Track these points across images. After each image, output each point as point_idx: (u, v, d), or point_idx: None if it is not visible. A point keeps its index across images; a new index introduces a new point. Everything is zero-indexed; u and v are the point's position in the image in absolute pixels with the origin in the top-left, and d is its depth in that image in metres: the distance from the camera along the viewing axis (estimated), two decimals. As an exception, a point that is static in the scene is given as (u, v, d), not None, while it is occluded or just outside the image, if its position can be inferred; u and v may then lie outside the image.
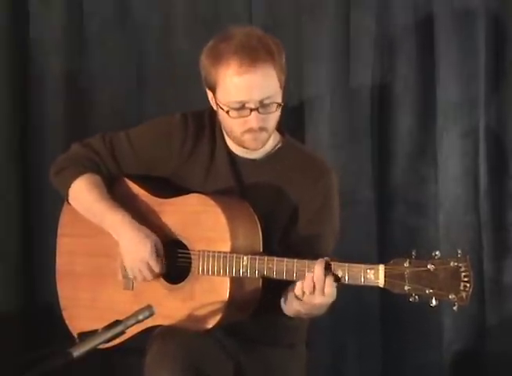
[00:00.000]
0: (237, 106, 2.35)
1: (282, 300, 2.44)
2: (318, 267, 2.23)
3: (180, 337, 2.36)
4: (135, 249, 2.44)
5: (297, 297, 2.29)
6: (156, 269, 2.44)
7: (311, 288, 2.23)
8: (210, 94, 2.43)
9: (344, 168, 3.06)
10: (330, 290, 2.23)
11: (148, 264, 2.43)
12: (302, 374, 2.62)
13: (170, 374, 2.28)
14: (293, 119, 3.08)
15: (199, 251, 2.40)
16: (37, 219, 3.34)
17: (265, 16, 3.18)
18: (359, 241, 3.11)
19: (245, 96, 2.33)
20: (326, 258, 2.26)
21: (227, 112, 2.37)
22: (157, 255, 2.43)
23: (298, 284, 2.26)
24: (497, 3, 3.03)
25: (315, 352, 2.98)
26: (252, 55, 2.31)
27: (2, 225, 3.31)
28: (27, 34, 3.32)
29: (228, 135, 2.48)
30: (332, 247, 2.50)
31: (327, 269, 2.23)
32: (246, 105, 2.34)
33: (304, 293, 2.25)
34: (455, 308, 2.11)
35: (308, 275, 2.24)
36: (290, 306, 2.39)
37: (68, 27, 3.30)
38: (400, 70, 3.13)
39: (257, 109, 2.34)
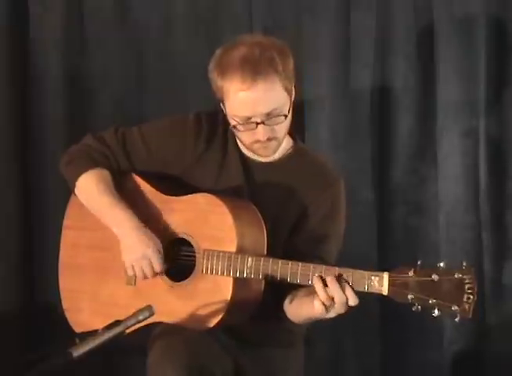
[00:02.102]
0: (243, 120, 2.35)
1: (286, 304, 2.43)
2: (332, 282, 2.20)
3: (183, 334, 2.36)
4: (137, 246, 2.43)
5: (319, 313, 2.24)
6: (157, 267, 2.43)
7: (331, 301, 2.20)
8: (221, 105, 2.42)
9: (345, 169, 3.06)
10: (355, 300, 2.20)
11: (150, 261, 2.42)
12: (301, 372, 2.62)
13: (175, 369, 2.27)
14: (294, 119, 3.08)
15: (204, 250, 2.40)
16: (37, 219, 3.34)
17: (265, 16, 3.18)
18: (359, 241, 3.11)
19: (250, 112, 2.33)
20: (336, 269, 2.24)
21: (234, 127, 2.38)
22: (160, 256, 2.43)
23: (316, 303, 2.21)
24: (497, 4, 3.04)
25: (314, 349, 2.99)
26: (254, 69, 2.28)
27: (2, 225, 3.30)
28: (27, 34, 3.31)
29: (240, 143, 2.49)
30: (336, 253, 2.50)
31: (340, 281, 2.20)
32: (252, 119, 2.34)
33: (326, 307, 2.22)
34: (457, 319, 2.11)
35: (318, 290, 2.21)
36: (299, 313, 2.38)
37: (68, 27, 3.30)
38: (400, 71, 3.13)
39: (262, 122, 2.34)
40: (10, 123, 3.32)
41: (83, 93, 3.32)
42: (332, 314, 2.24)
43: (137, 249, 2.44)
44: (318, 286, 2.22)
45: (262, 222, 2.43)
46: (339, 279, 2.21)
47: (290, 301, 2.42)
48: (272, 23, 3.16)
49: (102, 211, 2.51)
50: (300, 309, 2.38)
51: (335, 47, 3.15)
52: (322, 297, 2.21)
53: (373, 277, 2.19)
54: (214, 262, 2.38)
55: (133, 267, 2.46)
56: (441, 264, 2.13)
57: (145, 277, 2.45)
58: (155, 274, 2.44)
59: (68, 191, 2.62)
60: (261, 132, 2.35)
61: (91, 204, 2.55)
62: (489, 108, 3.06)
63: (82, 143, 2.59)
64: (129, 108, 3.30)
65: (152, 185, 2.54)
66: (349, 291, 2.20)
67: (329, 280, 2.21)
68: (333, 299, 2.21)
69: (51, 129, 3.32)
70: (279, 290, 2.40)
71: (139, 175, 2.56)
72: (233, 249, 2.37)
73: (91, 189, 2.52)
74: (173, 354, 2.30)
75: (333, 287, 2.20)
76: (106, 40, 3.29)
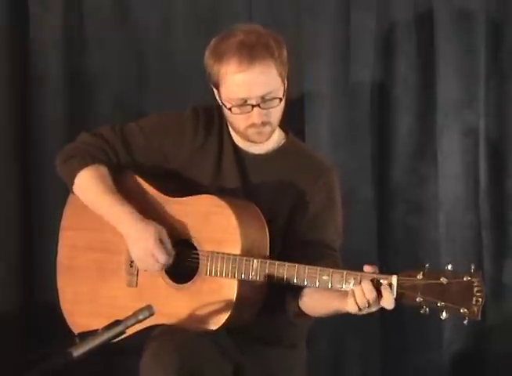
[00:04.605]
0: (239, 102, 2.39)
1: (306, 293, 2.38)
2: (370, 291, 2.18)
3: (178, 337, 2.35)
4: (139, 240, 2.42)
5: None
6: (162, 259, 2.40)
7: (366, 303, 2.19)
8: (215, 91, 2.46)
9: (344, 167, 3.06)
10: (390, 300, 2.18)
11: (153, 254, 2.40)
12: (303, 372, 2.62)
13: (165, 372, 2.26)
14: (294, 118, 3.07)
15: (208, 251, 2.39)
16: (37, 219, 3.33)
17: (265, 15, 3.18)
18: (359, 240, 3.11)
19: (246, 93, 2.37)
20: (344, 272, 2.23)
21: (229, 109, 2.41)
22: (163, 245, 2.41)
23: (351, 302, 2.20)
24: (497, 1, 3.04)
25: (315, 350, 2.99)
26: (251, 52, 2.35)
27: (2, 225, 3.30)
28: (27, 34, 3.31)
29: (233, 130, 2.51)
30: (338, 242, 2.50)
31: (374, 284, 2.19)
32: (248, 101, 2.38)
33: (360, 309, 2.21)
34: (465, 322, 2.11)
35: (358, 296, 2.19)
36: (325, 305, 2.35)
37: (68, 27, 3.30)
38: (400, 70, 3.13)
39: (258, 105, 2.38)
40: (10, 123, 3.32)
41: (83, 93, 3.32)
42: (363, 312, 2.23)
43: (139, 244, 2.42)
44: (358, 292, 2.19)
45: (264, 222, 2.43)
46: (382, 287, 2.18)
47: (315, 292, 2.36)
48: (272, 23, 3.15)
49: (101, 210, 2.50)
50: (327, 302, 2.34)
51: (335, 47, 3.15)
52: (359, 301, 2.19)
53: (381, 280, 2.19)
54: (219, 263, 2.37)
55: (140, 262, 2.44)
56: (449, 267, 2.12)
57: (153, 271, 2.43)
58: (162, 266, 2.41)
59: (68, 191, 2.62)
60: (257, 115, 2.39)
61: (90, 202, 2.54)
62: (489, 107, 3.06)
63: (78, 141, 2.60)
64: (129, 108, 3.30)
65: (154, 186, 2.54)
66: (387, 301, 2.18)
67: (369, 289, 2.19)
68: (368, 303, 2.19)
69: (51, 129, 3.32)
70: (280, 290, 2.39)
71: (141, 177, 2.56)
72: (238, 251, 2.36)
73: (89, 188, 2.52)
74: (164, 357, 2.29)
75: (370, 296, 2.18)
76: (106, 40, 3.29)
